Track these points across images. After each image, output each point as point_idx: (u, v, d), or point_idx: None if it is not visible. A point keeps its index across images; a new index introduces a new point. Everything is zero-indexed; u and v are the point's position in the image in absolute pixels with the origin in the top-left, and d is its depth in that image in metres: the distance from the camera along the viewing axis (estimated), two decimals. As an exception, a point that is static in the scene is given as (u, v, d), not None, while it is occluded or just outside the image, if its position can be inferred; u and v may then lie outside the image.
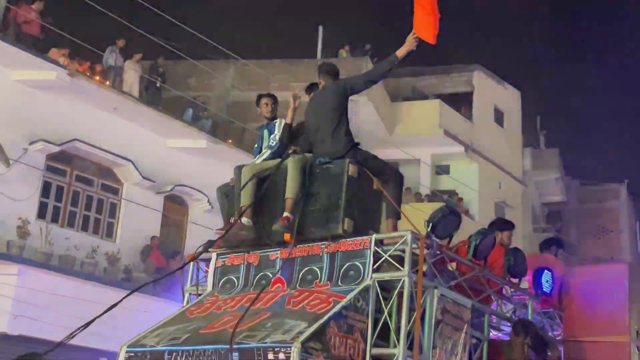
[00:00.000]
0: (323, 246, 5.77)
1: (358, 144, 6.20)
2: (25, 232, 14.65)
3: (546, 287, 6.92)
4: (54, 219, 15.93)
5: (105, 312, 5.84)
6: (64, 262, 15.19)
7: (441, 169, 24.11)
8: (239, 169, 6.46)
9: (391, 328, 5.30)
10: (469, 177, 23.57)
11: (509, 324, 6.70)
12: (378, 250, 5.51)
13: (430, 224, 5.89)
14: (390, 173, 6.20)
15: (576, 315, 6.99)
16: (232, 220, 6.17)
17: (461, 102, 24.50)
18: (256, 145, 7.02)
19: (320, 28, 20.88)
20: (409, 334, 5.28)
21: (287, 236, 5.73)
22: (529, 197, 26.95)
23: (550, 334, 7.18)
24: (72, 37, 16.19)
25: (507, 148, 25.85)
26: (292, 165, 5.98)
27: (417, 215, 7.02)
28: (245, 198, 6.07)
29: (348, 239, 5.68)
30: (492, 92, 25.87)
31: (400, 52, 6.26)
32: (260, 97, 7.02)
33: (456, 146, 23.38)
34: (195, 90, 19.38)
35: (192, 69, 19.50)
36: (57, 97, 15.73)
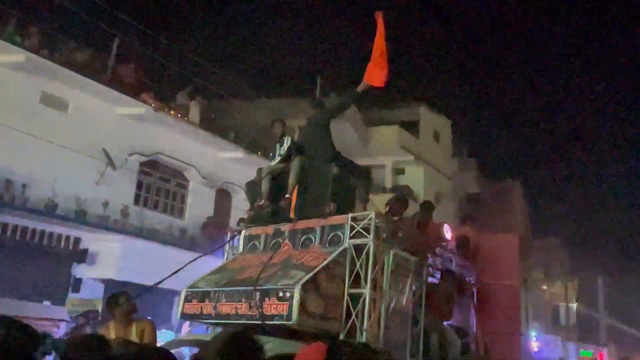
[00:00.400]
0: (316, 221, 5.73)
1: (339, 152, 6.14)
2: (126, 213, 14.72)
3: (464, 249, 6.86)
4: (145, 205, 15.95)
5: (179, 269, 5.81)
6: (151, 233, 15.24)
7: (398, 172, 24.09)
8: (260, 169, 6.41)
9: (361, 276, 5.24)
10: (417, 176, 23.56)
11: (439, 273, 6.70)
12: (353, 224, 5.45)
13: (388, 207, 5.84)
14: (360, 171, 6.16)
15: (485, 267, 6.94)
16: (256, 204, 6.12)
17: (412, 126, 24.42)
18: (271, 154, 6.94)
19: (319, 78, 20.86)
20: (374, 280, 5.22)
21: (292, 214, 5.69)
22: (456, 190, 26.89)
23: (467, 279, 7.13)
24: (155, 84, 16.31)
25: (442, 157, 25.83)
26: (294, 165, 5.95)
27: (381, 201, 6.99)
28: (264, 187, 6.02)
29: (333, 217, 5.64)
30: (432, 120, 25.84)
31: (359, 89, 6.21)
32: (274, 121, 6.94)
33: (409, 156, 23.34)
34: (235, 120, 19.31)
35: (234, 105, 19.49)
36: (146, 125, 15.74)
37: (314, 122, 6.41)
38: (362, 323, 5.08)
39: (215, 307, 5.15)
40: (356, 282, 5.32)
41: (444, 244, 6.86)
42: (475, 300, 6.82)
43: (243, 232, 6.33)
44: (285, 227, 5.93)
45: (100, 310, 12.56)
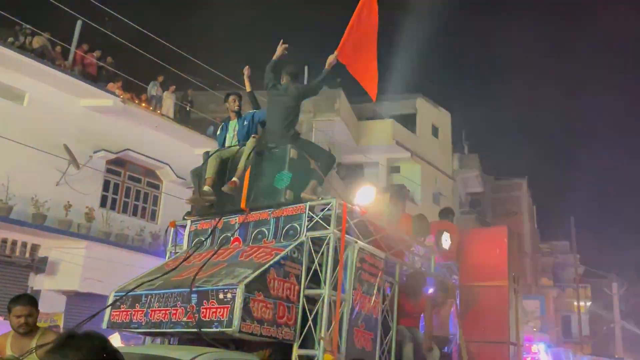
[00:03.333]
0: (270, 212, 5.33)
1: (299, 134, 5.70)
2: (91, 217, 14.34)
3: (445, 244, 6.41)
4: (112, 207, 15.56)
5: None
6: (120, 238, 14.87)
7: (393, 169, 23.67)
8: (206, 153, 5.96)
9: (319, 273, 4.80)
10: (414, 174, 23.18)
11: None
12: (311, 213, 5.01)
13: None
14: (324, 155, 5.71)
15: (469, 266, 6.50)
16: (195, 191, 5.67)
17: (408, 120, 24.09)
18: (219, 133, 6.44)
19: (306, 68, 20.45)
20: (335, 278, 4.77)
21: (243, 205, 5.24)
22: (457, 189, 26.54)
23: (450, 280, 6.69)
24: (125, 74, 15.90)
25: (441, 154, 25.46)
26: (247, 146, 5.50)
27: (376, 202, 6.55)
28: (209, 172, 5.58)
29: (289, 206, 5.20)
30: (430, 114, 25.48)
31: (328, 66, 5.78)
32: (228, 94, 6.47)
33: (404, 152, 22.92)
34: (214, 113, 18.90)
35: (212, 97, 19.10)
36: (114, 118, 15.35)
37: (281, 98, 5.89)
38: (320, 330, 4.62)
39: (146, 314, 4.71)
40: (314, 281, 4.90)
41: (420, 239, 6.43)
42: (458, 304, 6.38)
43: (187, 226, 5.88)
44: (236, 220, 5.49)
45: (62, 326, 12.20)
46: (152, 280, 5.03)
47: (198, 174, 5.91)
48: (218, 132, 6.44)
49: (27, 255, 13.55)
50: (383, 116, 23.33)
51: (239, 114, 6.33)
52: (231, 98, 6.36)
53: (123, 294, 4.98)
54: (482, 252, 6.42)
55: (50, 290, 13.71)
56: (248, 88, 6.40)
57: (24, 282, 13.59)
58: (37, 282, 13.67)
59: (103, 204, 15.25)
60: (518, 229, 25.46)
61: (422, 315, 6.10)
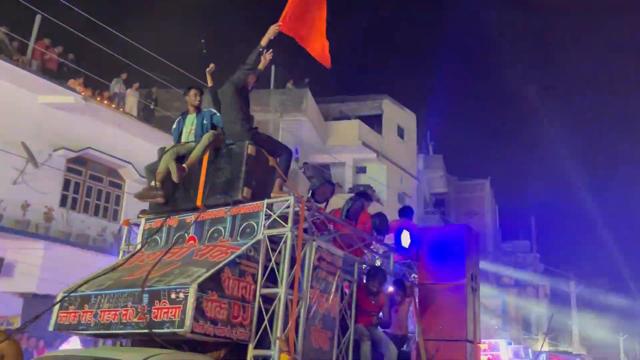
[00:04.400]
0: (227, 210, 5.18)
1: (257, 128, 5.55)
2: (50, 217, 13.95)
3: (404, 243, 6.36)
4: (73, 207, 15.15)
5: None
6: (80, 239, 14.51)
7: (360, 170, 23.72)
8: (162, 149, 5.76)
9: (276, 272, 4.68)
10: (380, 175, 23.27)
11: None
12: (269, 211, 4.89)
13: (310, 191, 5.32)
14: (282, 151, 5.57)
15: (428, 264, 6.48)
16: (144, 188, 5.49)
17: (374, 121, 24.18)
18: (175, 127, 6.23)
19: (273, 67, 20.28)
20: (292, 277, 4.66)
21: (198, 202, 5.08)
22: (422, 189, 26.76)
23: (408, 280, 6.65)
24: (86, 71, 15.48)
25: (406, 154, 25.62)
26: (204, 137, 5.34)
27: (340, 203, 6.50)
28: (161, 167, 5.40)
29: (246, 204, 5.07)
30: (396, 115, 25.60)
31: (264, 41, 5.62)
32: (189, 88, 6.24)
33: (370, 153, 22.97)
34: (179, 111, 18.61)
35: (177, 95, 18.83)
36: (74, 116, 15.00)
37: (222, 95, 5.72)
38: (276, 330, 4.51)
39: (95, 315, 4.52)
40: (272, 280, 4.77)
41: (379, 237, 6.36)
42: (417, 303, 6.35)
43: (142, 224, 5.68)
44: (192, 218, 5.32)
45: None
46: (101, 278, 4.84)
47: (152, 171, 5.71)
48: (174, 126, 6.21)
49: (-17, 255, 13.08)
50: (350, 117, 23.37)
51: (198, 109, 6.13)
52: (192, 92, 6.15)
53: (70, 294, 4.78)
54: (441, 250, 6.40)
55: (7, 292, 13.27)
56: (209, 83, 6.22)
57: (-22, 283, 13.12)
58: (-7, 284, 13.22)
59: (63, 203, 14.84)
60: (480, 229, 25.85)
61: (380, 313, 6.04)
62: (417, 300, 6.40)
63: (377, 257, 6.43)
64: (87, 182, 15.64)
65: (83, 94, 14.89)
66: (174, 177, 5.15)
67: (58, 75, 15.10)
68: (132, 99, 16.80)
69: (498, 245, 34.95)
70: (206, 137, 5.33)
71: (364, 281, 5.97)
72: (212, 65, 6.28)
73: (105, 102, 15.77)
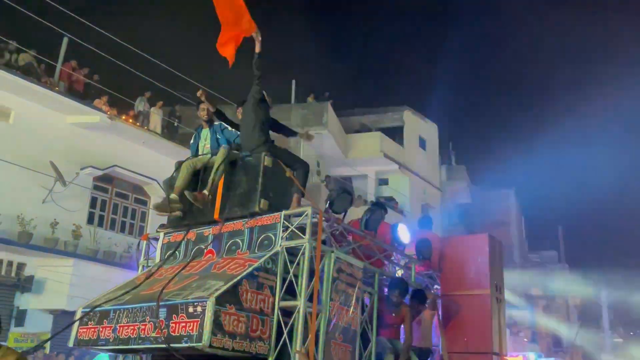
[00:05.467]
0: (244, 222, 5.11)
1: (273, 141, 5.51)
2: (78, 234, 14.10)
3: (403, 239, 6.18)
4: (100, 224, 15.27)
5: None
6: (108, 256, 14.60)
7: (382, 182, 23.51)
8: (179, 163, 5.76)
9: (295, 285, 4.59)
10: (402, 186, 23.01)
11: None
12: (286, 223, 4.82)
13: (328, 202, 5.22)
14: (300, 164, 5.51)
15: (450, 275, 6.30)
16: (160, 202, 5.47)
17: (395, 133, 23.95)
18: (192, 142, 6.26)
19: (293, 82, 20.38)
20: (311, 289, 4.57)
21: (216, 215, 5.03)
22: (446, 201, 26.36)
23: (431, 290, 6.47)
24: (111, 90, 15.76)
25: (428, 165, 25.33)
26: (218, 155, 5.30)
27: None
28: (179, 181, 5.37)
29: (263, 216, 5.00)
30: (417, 126, 25.37)
31: (257, 49, 5.58)
32: (199, 103, 6.26)
33: (392, 165, 22.70)
34: (202, 128, 18.74)
35: (200, 112, 19.01)
36: (100, 135, 15.19)
37: (245, 110, 5.71)
38: (295, 344, 4.40)
39: (114, 330, 4.48)
40: (290, 292, 4.68)
41: (400, 247, 6.22)
42: (440, 315, 6.17)
43: (160, 239, 5.65)
44: (210, 231, 5.27)
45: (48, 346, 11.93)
46: (121, 294, 4.81)
47: (171, 184, 5.71)
48: (191, 141, 6.25)
49: (13, 274, 13.29)
50: (371, 129, 23.25)
51: (210, 123, 6.14)
52: (201, 107, 6.19)
53: (90, 309, 4.76)
54: (463, 260, 6.23)
55: (37, 310, 13.42)
56: (212, 108, 6.24)
57: (10, 301, 13.31)
58: (24, 302, 13.40)
59: (90, 221, 15.01)
60: (506, 240, 25.34)
61: (402, 326, 5.89)
62: (440, 312, 6.23)
63: (398, 268, 6.29)
64: (114, 199, 15.82)
65: (108, 113, 15.13)
66: (190, 196, 5.10)
67: (84, 95, 15.38)
68: (156, 117, 16.99)
69: (525, 256, 34.22)
70: (220, 155, 5.29)
71: (385, 293, 5.83)
72: (200, 91, 6.26)
73: (130, 120, 15.98)
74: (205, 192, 5.11)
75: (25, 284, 13.41)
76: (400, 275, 6.21)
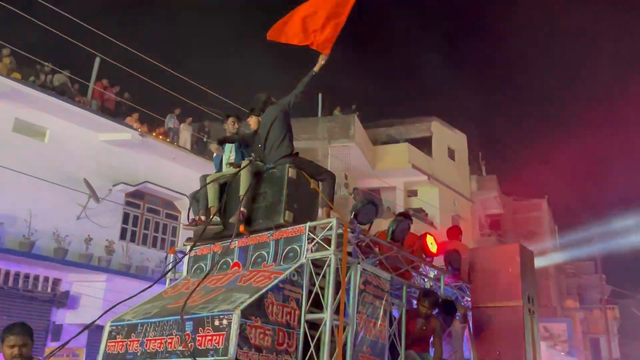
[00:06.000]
0: (269, 234, 5.07)
1: (297, 153, 5.47)
2: (111, 250, 14.30)
3: (455, 264, 6.05)
4: (132, 239, 15.49)
5: (124, 300, 5.22)
6: (140, 270, 14.77)
7: (411, 193, 23.28)
8: (204, 177, 5.77)
9: (321, 297, 4.53)
10: (432, 197, 22.71)
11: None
12: (312, 234, 4.77)
13: (353, 213, 5.15)
14: (325, 175, 5.45)
15: (481, 286, 6.14)
16: (200, 217, 5.47)
17: (423, 143, 23.76)
18: (215, 156, 6.27)
19: (320, 95, 20.41)
20: (337, 302, 4.50)
21: (242, 228, 5.02)
22: (476, 211, 25.94)
23: (461, 302, 6.31)
24: (142, 107, 16.06)
25: (458, 176, 24.98)
26: (244, 171, 5.28)
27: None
28: (212, 200, 5.39)
29: (288, 228, 4.96)
30: (445, 136, 25.12)
31: (316, 68, 5.53)
32: (228, 116, 6.28)
33: (421, 176, 22.48)
34: (230, 143, 18.88)
35: (228, 128, 19.18)
36: (132, 151, 15.46)
37: (268, 116, 5.66)
38: (322, 357, 4.33)
39: (142, 344, 4.48)
40: (316, 305, 4.61)
41: (428, 259, 6.09)
42: (471, 328, 6.00)
43: (187, 252, 5.66)
44: (236, 244, 5.25)
45: (83, 360, 12.06)
46: (147, 307, 4.82)
47: (196, 198, 5.73)
48: (214, 155, 6.26)
49: (49, 289, 13.51)
50: (398, 140, 23.11)
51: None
52: (230, 120, 6.21)
53: (118, 323, 4.78)
54: (494, 271, 6.06)
55: (72, 324, 13.56)
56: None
57: (46, 316, 13.52)
58: (60, 317, 13.60)
59: (123, 236, 15.22)
60: (540, 250, 24.73)
61: (432, 339, 5.74)
62: (471, 324, 6.06)
63: (426, 279, 6.16)
64: (145, 215, 16.01)
65: (139, 130, 15.38)
66: (233, 220, 5.09)
67: (116, 113, 15.69)
68: (185, 133, 17.22)
69: (559, 266, 33.35)
70: (244, 173, 5.27)
71: (414, 305, 5.71)
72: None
73: (160, 137, 16.23)
74: (244, 210, 5.10)
75: (61, 299, 13.62)
76: (429, 287, 6.08)
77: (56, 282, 13.67)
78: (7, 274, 12.90)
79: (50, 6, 12.28)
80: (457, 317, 6.09)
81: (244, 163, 5.37)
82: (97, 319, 5.40)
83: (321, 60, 5.52)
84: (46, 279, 13.50)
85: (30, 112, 13.62)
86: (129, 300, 5.44)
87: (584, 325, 32.25)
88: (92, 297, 13.50)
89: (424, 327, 5.59)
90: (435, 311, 5.74)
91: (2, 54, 13.60)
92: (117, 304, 5.61)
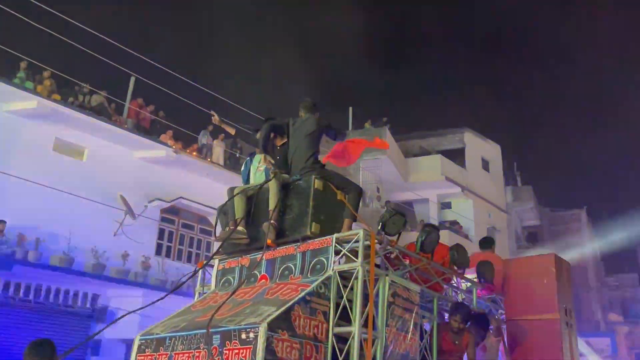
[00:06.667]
0: (296, 247, 5.02)
1: (324, 165, 5.45)
2: (147, 265, 14.49)
3: (488, 276, 5.86)
4: (167, 255, 15.66)
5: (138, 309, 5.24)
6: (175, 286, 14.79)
7: (445, 205, 22.90)
8: (231, 189, 5.77)
9: (349, 310, 4.44)
10: (466, 210, 22.30)
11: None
12: (338, 246, 4.70)
13: (380, 223, 5.06)
14: (351, 188, 5.39)
15: (515, 298, 5.92)
16: (225, 231, 5.46)
17: (456, 155, 23.42)
18: (243, 169, 6.29)
19: (350, 108, 20.42)
20: (365, 315, 4.40)
21: (269, 241, 4.99)
22: (512, 223, 25.34)
23: (495, 315, 6.10)
24: (175, 125, 16.32)
25: (492, 187, 24.48)
26: (272, 184, 5.26)
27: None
28: (239, 211, 5.37)
29: (315, 239, 4.90)
30: (479, 147, 24.72)
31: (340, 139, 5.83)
32: (257, 130, 6.31)
33: (455, 188, 22.14)
34: (263, 158, 18.99)
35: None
36: (167, 168, 15.70)
37: (302, 128, 5.65)
38: (352, 371, 4.23)
39: (170, 357, 4.47)
40: (344, 318, 4.52)
41: (460, 270, 5.92)
42: (505, 341, 5.78)
43: (215, 265, 5.66)
44: (263, 257, 5.22)
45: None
46: (176, 320, 4.83)
47: (223, 211, 5.74)
48: (242, 168, 6.30)
49: (88, 305, 13.73)
50: (430, 152, 22.86)
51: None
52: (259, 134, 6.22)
53: (148, 337, 4.79)
54: (528, 283, 5.85)
55: (111, 339, 13.74)
56: (232, 132, 6.32)
57: (85, 331, 13.72)
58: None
59: (158, 252, 15.40)
60: (580, 262, 23.95)
61: (465, 353, 5.56)
62: (505, 338, 5.85)
63: (458, 292, 5.99)
64: (180, 230, 16.20)
65: (174, 147, 15.61)
66: (265, 227, 5.08)
67: (151, 131, 15.99)
68: (218, 149, 17.40)
69: (601, 279, 32.21)
70: (273, 184, 5.24)
71: (446, 319, 5.55)
72: (215, 117, 6.35)
73: (194, 153, 16.44)
74: (274, 222, 5.09)
75: (100, 314, 13.82)
76: (461, 299, 5.91)
77: (95, 297, 13.90)
78: (49, 289, 13.19)
79: (87, 28, 12.67)
80: (491, 331, 5.89)
81: (271, 182, 5.36)
82: (96, 334, 5.42)
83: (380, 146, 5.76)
84: (85, 295, 13.75)
85: (69, 132, 14.00)
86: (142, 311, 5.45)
87: (629, 340, 30.94)
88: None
89: (457, 342, 5.43)
90: (469, 324, 5.57)
91: (43, 76, 14.04)
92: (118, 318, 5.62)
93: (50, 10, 12.22)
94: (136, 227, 14.51)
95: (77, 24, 12.55)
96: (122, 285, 13.78)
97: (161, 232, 15.69)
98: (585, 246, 27.27)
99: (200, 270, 5.92)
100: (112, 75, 15.88)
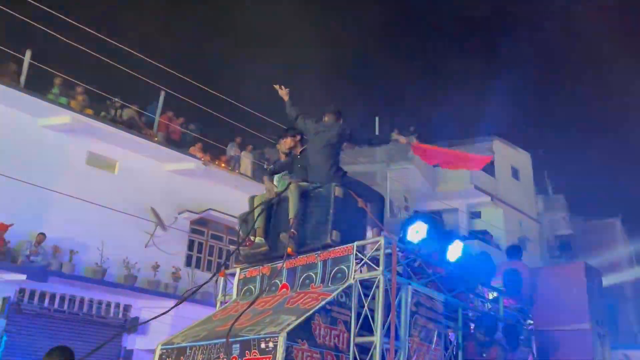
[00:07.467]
0: (317, 255, 4.93)
1: (345, 172, 5.36)
2: (177, 276, 14.59)
3: (515, 285, 5.66)
4: (197, 266, 15.70)
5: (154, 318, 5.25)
6: (205, 296, 14.85)
7: (474, 215, 22.45)
8: (252, 198, 5.73)
9: (370, 319, 4.32)
10: (496, 219, 21.81)
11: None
12: (359, 254, 4.59)
13: (402, 231, 4.94)
14: (373, 196, 5.29)
15: (543, 309, 5.69)
16: (250, 238, 5.42)
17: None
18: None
19: (377, 118, 20.26)
20: (388, 324, 4.28)
21: (289, 250, 4.92)
22: (544, 233, 24.69)
23: (523, 326, 5.88)
24: (204, 137, 16.45)
25: (523, 196, 23.94)
26: (292, 193, 5.20)
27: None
28: (258, 222, 5.32)
29: (336, 248, 4.81)
30: (508, 155, 24.25)
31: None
32: (280, 137, 6.26)
33: (484, 197, 21.76)
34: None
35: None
36: (196, 180, 15.80)
37: (325, 134, 5.58)
38: (374, 382, 4.11)
39: (190, 366, 4.44)
40: (366, 328, 4.41)
41: (485, 279, 5.73)
42: (535, 353, 5.56)
43: (236, 274, 5.62)
44: (283, 266, 5.16)
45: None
46: (197, 329, 4.79)
47: (245, 220, 5.70)
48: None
49: (120, 315, 13.85)
50: (459, 161, 22.47)
51: (288, 155, 6.17)
52: (283, 141, 6.21)
53: (169, 347, 4.77)
54: (557, 292, 5.62)
55: (143, 350, 13.83)
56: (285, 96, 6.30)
57: (117, 342, 13.85)
58: (130, 342, 13.90)
59: (188, 263, 15.48)
60: (615, 272, 23.13)
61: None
62: (534, 350, 5.63)
63: (484, 302, 5.81)
64: (209, 241, 16.28)
65: (203, 159, 15.75)
66: (284, 237, 5.02)
67: (180, 144, 16.17)
68: (246, 160, 17.47)
69: (639, 290, 31.08)
70: (292, 193, 5.19)
71: (472, 330, 5.37)
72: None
73: (223, 165, 16.55)
74: (293, 231, 5.03)
75: (132, 324, 13.93)
76: (487, 309, 5.72)
77: (127, 308, 14.02)
78: (82, 300, 13.36)
79: (117, 43, 12.92)
80: (521, 342, 5.68)
81: (289, 189, 5.30)
82: (105, 343, 5.42)
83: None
84: (117, 305, 13.87)
85: (101, 146, 14.24)
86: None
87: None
88: (160, 322, 13.72)
89: (485, 355, 5.24)
90: (497, 337, 5.37)
91: (76, 91, 14.36)
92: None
93: (86, 28, 12.49)
94: (166, 239, 14.65)
95: (109, 40, 12.82)
96: (153, 296, 13.87)
97: (191, 244, 15.79)
98: (621, 256, 26.41)
99: (222, 280, 5.88)
100: (142, 89, 16.14)
